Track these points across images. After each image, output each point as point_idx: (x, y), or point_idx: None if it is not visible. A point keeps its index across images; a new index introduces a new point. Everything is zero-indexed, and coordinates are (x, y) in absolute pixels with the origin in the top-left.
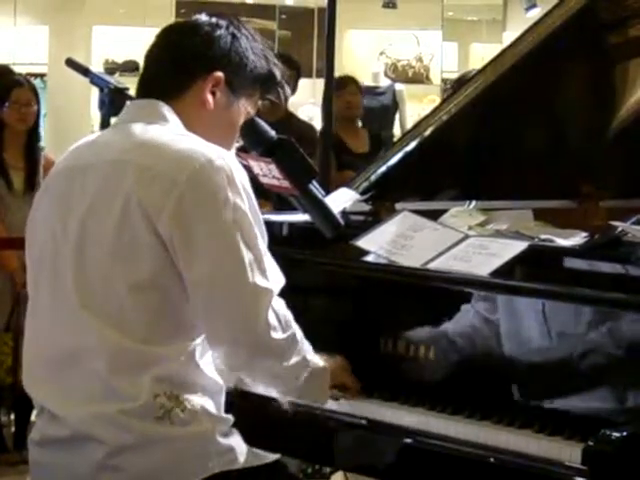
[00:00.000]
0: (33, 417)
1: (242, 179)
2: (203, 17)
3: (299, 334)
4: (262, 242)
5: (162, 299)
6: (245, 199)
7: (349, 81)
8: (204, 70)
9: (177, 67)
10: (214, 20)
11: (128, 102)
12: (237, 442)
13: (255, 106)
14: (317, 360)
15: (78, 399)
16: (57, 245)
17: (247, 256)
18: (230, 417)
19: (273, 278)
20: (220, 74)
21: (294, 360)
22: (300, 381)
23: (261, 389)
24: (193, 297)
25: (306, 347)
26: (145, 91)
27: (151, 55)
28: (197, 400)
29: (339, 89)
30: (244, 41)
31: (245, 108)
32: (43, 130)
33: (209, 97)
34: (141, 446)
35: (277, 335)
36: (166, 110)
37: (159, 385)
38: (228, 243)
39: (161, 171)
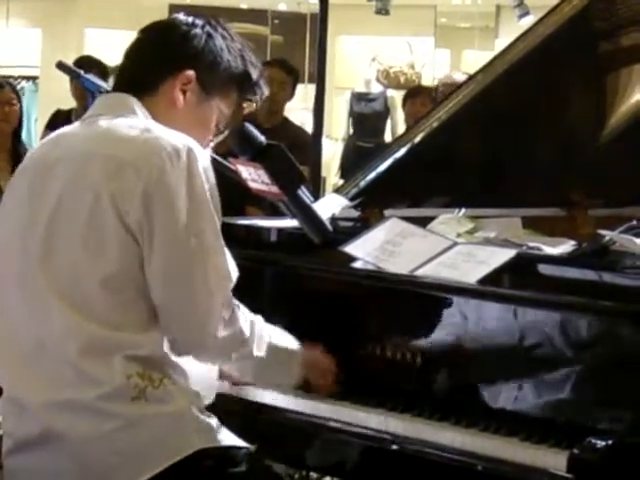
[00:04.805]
0: None
1: (206, 168)
2: (181, 16)
3: (245, 323)
4: (220, 235)
5: (133, 291)
6: (207, 191)
7: (423, 91)
8: (174, 68)
9: (148, 63)
10: (191, 19)
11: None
12: (214, 421)
13: (231, 106)
14: (278, 341)
15: (50, 385)
16: (26, 237)
17: (200, 255)
18: (203, 394)
19: (228, 274)
20: (191, 72)
21: (235, 356)
22: (252, 367)
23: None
24: (151, 293)
25: (258, 331)
26: (118, 86)
27: (128, 52)
28: (169, 377)
29: (412, 97)
30: (219, 40)
31: (219, 107)
32: (35, 133)
33: (179, 95)
34: (121, 430)
35: (224, 333)
36: (135, 103)
37: (130, 365)
38: (182, 240)
39: (128, 161)
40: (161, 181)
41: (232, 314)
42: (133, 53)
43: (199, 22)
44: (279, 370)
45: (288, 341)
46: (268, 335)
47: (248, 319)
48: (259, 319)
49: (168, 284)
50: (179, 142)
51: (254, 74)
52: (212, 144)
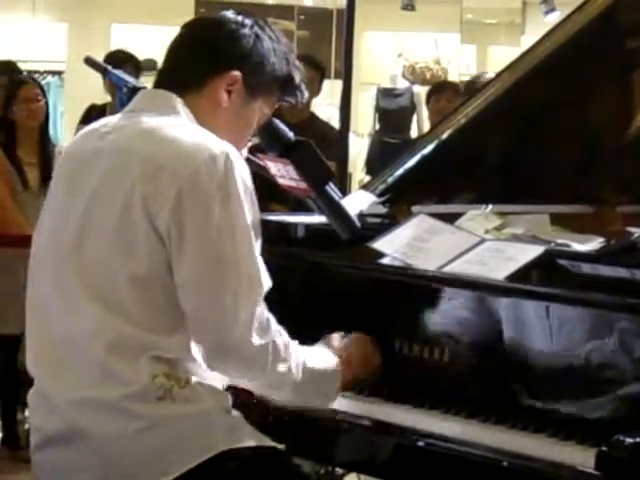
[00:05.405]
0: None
1: (244, 177)
2: (229, 14)
3: (281, 340)
4: (255, 244)
5: (160, 293)
6: (244, 199)
7: (448, 87)
8: (222, 67)
9: (195, 61)
10: (240, 18)
11: (142, 91)
12: (241, 421)
13: (272, 108)
14: (314, 363)
15: (77, 382)
16: (60, 228)
17: (233, 262)
18: (228, 393)
19: (259, 283)
20: (237, 73)
21: (276, 370)
22: (286, 391)
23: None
24: (180, 297)
25: (294, 353)
26: (161, 82)
27: (172, 47)
28: (195, 377)
29: (438, 93)
30: (267, 42)
31: (261, 109)
32: (61, 128)
33: (224, 95)
34: (146, 430)
35: (256, 342)
36: (178, 103)
37: (156, 365)
38: (215, 247)
39: (165, 163)
40: (195, 187)
41: (267, 324)
42: (177, 49)
43: (248, 22)
44: (317, 392)
45: (323, 359)
46: (303, 357)
47: (285, 338)
48: (294, 343)
49: (199, 291)
50: (218, 149)
51: (297, 77)
52: (250, 144)
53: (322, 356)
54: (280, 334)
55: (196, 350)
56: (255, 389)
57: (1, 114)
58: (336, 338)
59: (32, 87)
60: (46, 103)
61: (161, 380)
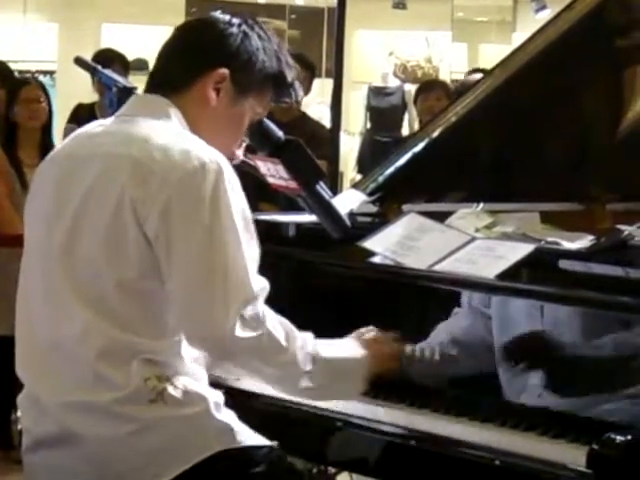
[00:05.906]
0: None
1: (234, 185)
2: (218, 14)
3: (280, 332)
4: (247, 250)
5: (148, 298)
6: (233, 206)
7: (437, 85)
8: (208, 66)
9: (182, 62)
10: (228, 18)
11: (134, 96)
12: (234, 420)
13: (266, 107)
14: (331, 353)
15: (67, 386)
16: (50, 230)
17: (222, 267)
18: (220, 393)
19: (251, 291)
20: (225, 71)
21: (279, 361)
22: (302, 382)
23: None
24: (171, 303)
25: (300, 344)
26: (152, 85)
27: (162, 50)
28: (187, 379)
29: (426, 91)
30: (255, 40)
31: (253, 108)
32: (53, 127)
33: (212, 94)
34: (138, 433)
35: (243, 334)
36: (170, 107)
37: (148, 368)
38: (203, 253)
39: (155, 169)
40: (184, 194)
41: (258, 318)
42: (166, 52)
43: (236, 21)
44: (337, 381)
45: (343, 349)
46: (316, 347)
47: (286, 329)
48: (308, 335)
49: (188, 297)
50: (207, 156)
51: (289, 76)
52: (244, 144)
53: (343, 347)
54: (279, 326)
55: (186, 351)
56: (270, 384)
57: (2, 115)
58: (369, 331)
59: (33, 88)
60: (49, 104)
61: (153, 383)
